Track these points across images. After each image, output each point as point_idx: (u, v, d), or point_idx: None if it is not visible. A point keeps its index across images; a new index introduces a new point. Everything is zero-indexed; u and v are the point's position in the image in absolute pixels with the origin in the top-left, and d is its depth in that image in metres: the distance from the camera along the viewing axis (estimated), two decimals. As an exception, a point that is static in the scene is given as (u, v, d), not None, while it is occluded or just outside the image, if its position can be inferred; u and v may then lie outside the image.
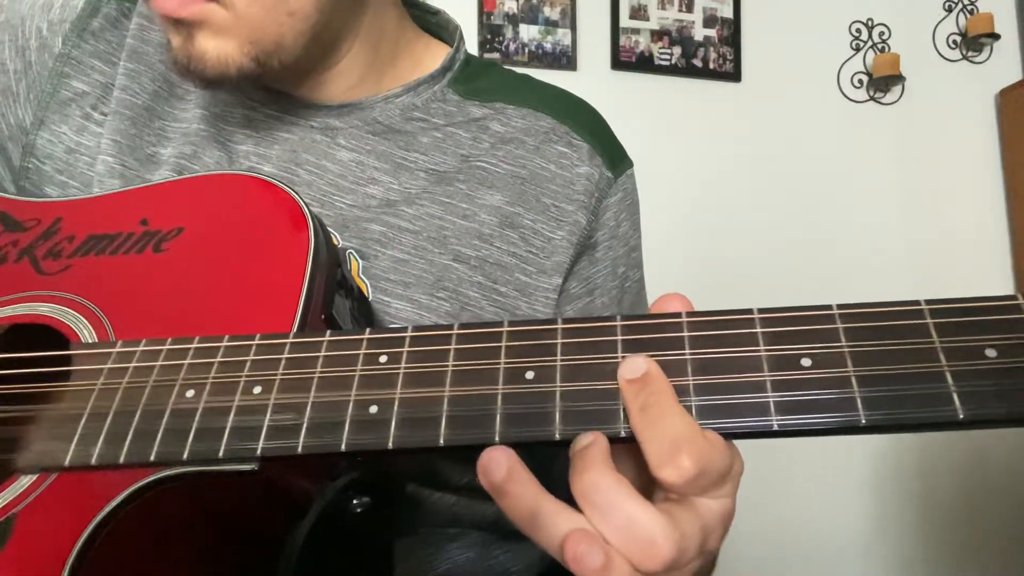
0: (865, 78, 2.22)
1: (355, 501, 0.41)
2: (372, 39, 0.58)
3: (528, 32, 2.03)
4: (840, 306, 0.30)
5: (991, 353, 0.27)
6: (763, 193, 2.10)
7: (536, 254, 0.57)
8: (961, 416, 0.26)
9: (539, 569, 0.62)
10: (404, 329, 0.35)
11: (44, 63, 0.57)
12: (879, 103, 2.22)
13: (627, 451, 0.31)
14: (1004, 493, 2.11)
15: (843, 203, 2.14)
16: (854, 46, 2.23)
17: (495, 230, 0.56)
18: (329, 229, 0.48)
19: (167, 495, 0.34)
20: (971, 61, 2.27)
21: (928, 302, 0.29)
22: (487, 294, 0.55)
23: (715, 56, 2.13)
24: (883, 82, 2.18)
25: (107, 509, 0.33)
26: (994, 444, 2.11)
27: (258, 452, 0.33)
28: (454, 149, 0.58)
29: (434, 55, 0.63)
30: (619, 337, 0.32)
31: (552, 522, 0.30)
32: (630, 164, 0.65)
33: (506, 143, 0.59)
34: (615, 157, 0.63)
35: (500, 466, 0.30)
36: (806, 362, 0.29)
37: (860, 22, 2.23)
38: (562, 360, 0.32)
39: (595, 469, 0.29)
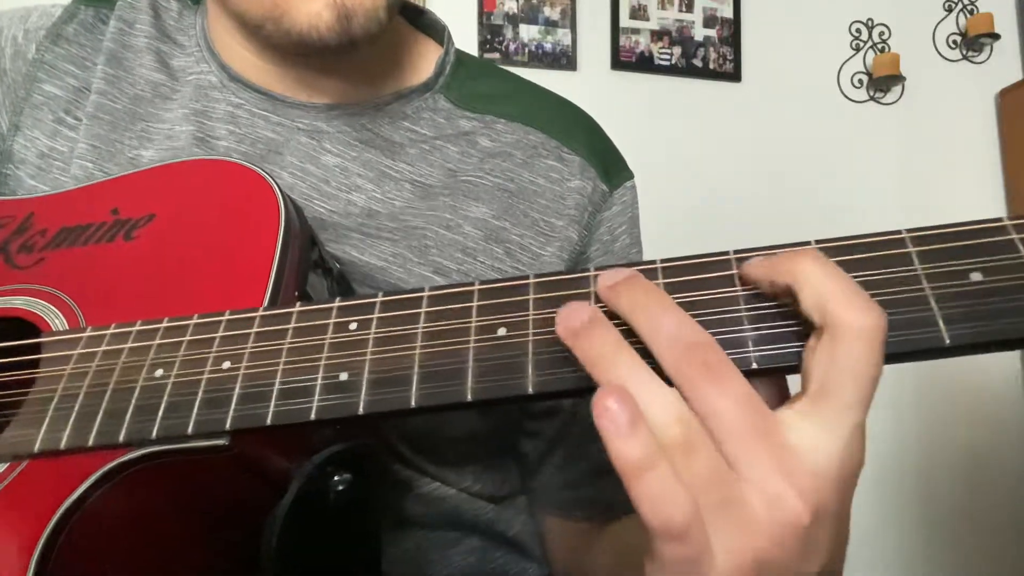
0: (865, 78, 2.21)
1: (336, 478, 0.41)
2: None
3: (528, 32, 2.03)
4: (819, 241, 0.29)
5: (976, 276, 0.26)
6: (763, 193, 2.10)
7: (522, 270, 0.55)
8: (947, 341, 0.25)
9: (537, 572, 0.61)
10: (374, 295, 0.35)
11: (18, 69, 0.57)
12: (879, 103, 2.22)
13: None
14: (1004, 493, 2.10)
15: (843, 203, 2.13)
16: (854, 46, 2.22)
17: (479, 243, 0.55)
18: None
19: (140, 477, 0.34)
20: (971, 61, 2.27)
21: (909, 231, 0.28)
22: None
23: (715, 56, 2.13)
24: (883, 82, 2.18)
25: (76, 493, 0.32)
26: (994, 443, 2.10)
27: (227, 425, 0.33)
28: (441, 163, 0.57)
29: (427, 56, 0.61)
30: (592, 288, 0.31)
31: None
32: (629, 176, 0.62)
33: (494, 157, 0.58)
34: (611, 169, 0.61)
35: (583, 312, 0.29)
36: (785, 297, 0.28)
37: (860, 22, 2.23)
38: (534, 313, 0.32)
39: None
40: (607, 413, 0.26)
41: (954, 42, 2.27)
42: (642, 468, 0.25)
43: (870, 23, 2.23)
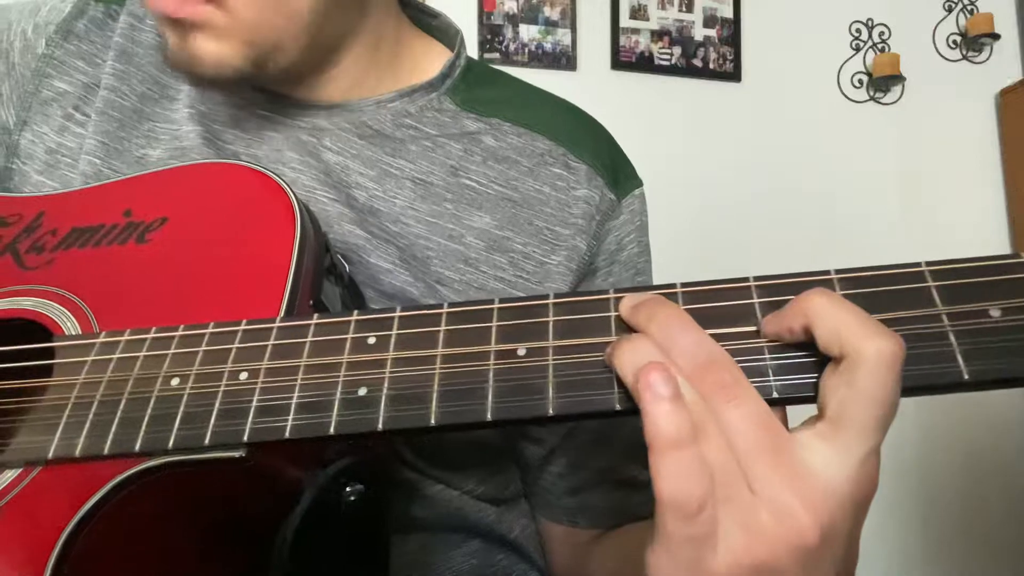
0: (865, 78, 2.22)
1: (348, 489, 0.41)
2: (371, 41, 0.57)
3: (528, 32, 2.03)
4: (838, 271, 0.29)
5: (995, 312, 0.27)
6: (763, 193, 2.10)
7: (527, 279, 0.55)
8: (966, 376, 0.26)
9: (537, 572, 0.61)
10: (393, 310, 0.35)
11: (27, 64, 0.56)
12: (879, 103, 2.22)
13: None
14: (1005, 492, 2.10)
15: (843, 203, 2.14)
16: (854, 46, 2.23)
17: (482, 254, 0.55)
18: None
19: (154, 487, 0.34)
20: (971, 61, 2.27)
21: (929, 263, 0.28)
22: None
23: (715, 56, 2.13)
24: (883, 82, 2.18)
25: (92, 501, 0.32)
26: (994, 443, 2.10)
27: (245, 437, 0.32)
28: (443, 160, 0.57)
29: (433, 59, 0.61)
30: (612, 313, 0.32)
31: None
32: (638, 184, 0.62)
33: (499, 161, 0.57)
34: (619, 177, 0.60)
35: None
36: None
37: (860, 22, 2.23)
38: (554, 334, 0.32)
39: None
40: (651, 387, 0.27)
41: (954, 42, 2.27)
42: (677, 444, 0.26)
43: (870, 23, 2.23)
